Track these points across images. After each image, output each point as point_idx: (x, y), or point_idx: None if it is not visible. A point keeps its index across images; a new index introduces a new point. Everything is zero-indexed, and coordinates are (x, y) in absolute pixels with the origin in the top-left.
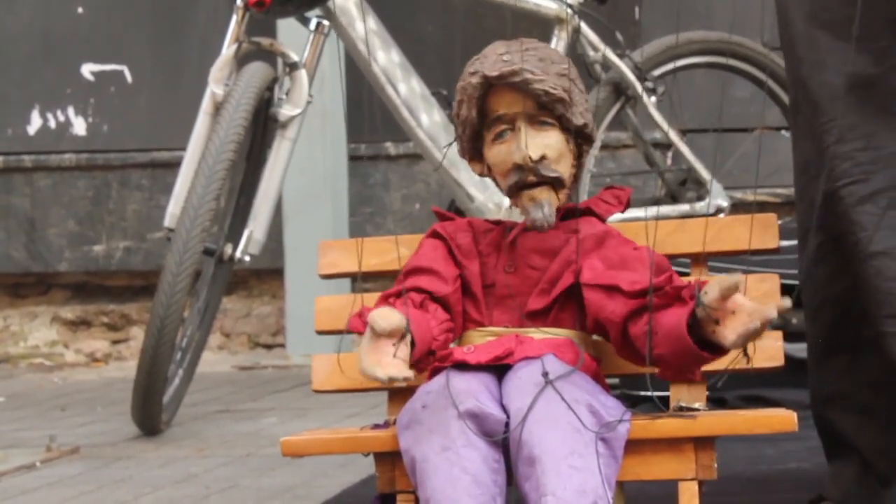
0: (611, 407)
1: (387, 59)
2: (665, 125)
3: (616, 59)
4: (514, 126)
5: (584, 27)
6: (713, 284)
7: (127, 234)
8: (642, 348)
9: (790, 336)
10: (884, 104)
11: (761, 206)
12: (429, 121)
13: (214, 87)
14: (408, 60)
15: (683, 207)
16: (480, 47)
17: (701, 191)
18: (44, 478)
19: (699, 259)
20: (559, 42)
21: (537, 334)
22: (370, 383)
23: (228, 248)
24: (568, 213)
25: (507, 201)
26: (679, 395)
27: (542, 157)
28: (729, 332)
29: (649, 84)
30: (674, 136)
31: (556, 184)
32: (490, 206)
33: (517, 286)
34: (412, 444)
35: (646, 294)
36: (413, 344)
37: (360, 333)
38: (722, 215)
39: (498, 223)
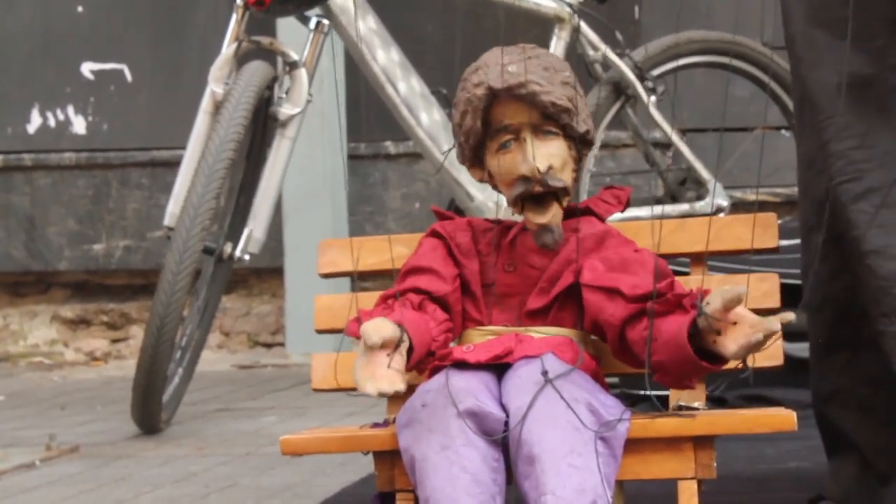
0: (610, 406)
1: (386, 58)
2: (665, 124)
3: (616, 58)
4: (519, 136)
5: (584, 26)
6: (715, 295)
7: (127, 233)
8: (640, 353)
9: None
10: (880, 103)
11: (761, 206)
12: (428, 120)
13: (214, 86)
14: (407, 59)
15: (683, 207)
16: (480, 46)
17: (701, 190)
18: (43, 476)
19: (699, 258)
20: (559, 41)
21: (537, 333)
22: None
23: (228, 247)
24: (568, 213)
25: (505, 200)
26: (679, 394)
27: (549, 168)
28: (730, 343)
29: (649, 83)
30: (673, 136)
31: (560, 193)
32: (489, 205)
33: (517, 285)
34: (411, 442)
35: (646, 299)
36: (411, 348)
37: (359, 338)
38: (722, 215)
39: (497, 222)
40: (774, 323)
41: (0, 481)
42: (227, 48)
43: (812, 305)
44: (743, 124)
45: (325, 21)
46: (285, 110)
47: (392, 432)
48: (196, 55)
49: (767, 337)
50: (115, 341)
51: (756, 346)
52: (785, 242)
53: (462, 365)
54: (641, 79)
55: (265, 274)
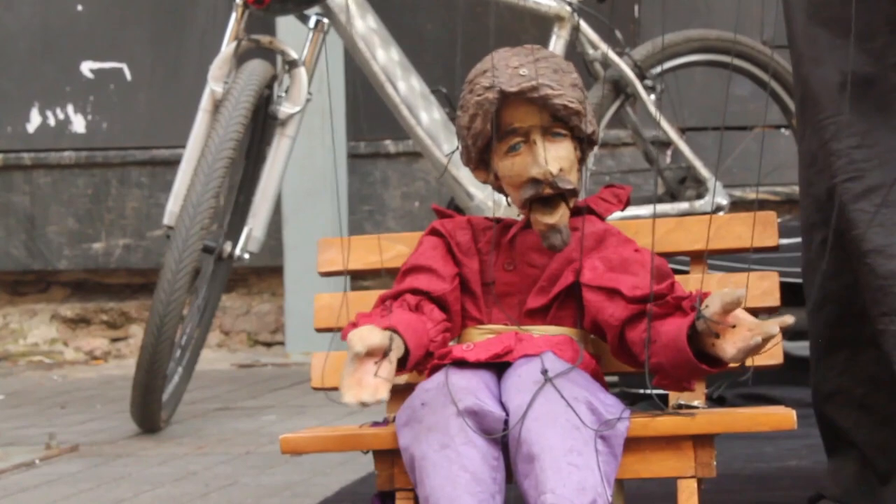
0: (610, 405)
1: (386, 58)
2: (664, 123)
3: (615, 57)
4: (529, 138)
5: (584, 25)
6: (714, 298)
7: (126, 232)
8: (640, 354)
9: (790, 334)
10: (880, 102)
11: (761, 205)
12: (428, 119)
13: (214, 85)
14: (407, 58)
15: (683, 206)
16: (480, 45)
17: (700, 189)
18: (43, 475)
19: (699, 257)
20: (559, 40)
21: (536, 332)
22: None
23: (228, 246)
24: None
25: (505, 199)
26: (678, 393)
27: (560, 170)
28: (729, 346)
29: (648, 82)
30: (673, 134)
31: (569, 194)
32: (490, 203)
33: (516, 284)
34: (411, 441)
35: (646, 300)
36: (407, 351)
37: None
38: (722, 213)
39: (497, 221)
40: (773, 327)
41: (0, 480)
42: (227, 47)
43: (813, 304)
44: (743, 123)
45: (325, 20)
46: (285, 109)
47: (392, 431)
48: (195, 54)
49: (766, 341)
50: (114, 340)
51: (755, 350)
52: (785, 241)
53: (462, 363)
54: (641, 77)
55: (265, 273)
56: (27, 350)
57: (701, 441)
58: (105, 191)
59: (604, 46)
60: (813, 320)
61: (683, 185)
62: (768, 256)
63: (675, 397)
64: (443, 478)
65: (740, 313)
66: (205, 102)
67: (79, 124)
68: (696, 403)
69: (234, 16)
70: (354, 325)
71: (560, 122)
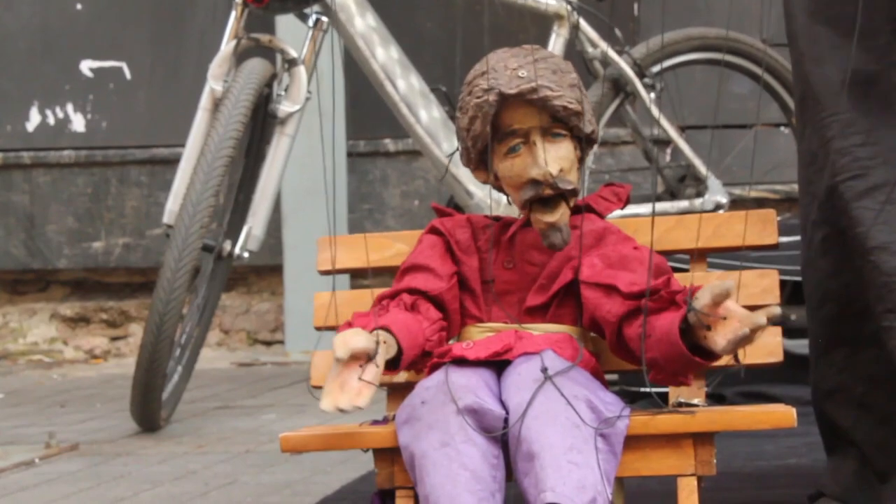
0: (610, 403)
1: (386, 56)
2: (664, 121)
3: (615, 55)
4: (528, 139)
5: (583, 24)
6: (705, 290)
7: (126, 231)
8: (637, 350)
9: (789, 332)
10: (884, 100)
11: (760, 203)
12: (428, 117)
13: (213, 84)
14: (407, 57)
15: (682, 204)
16: (479, 44)
17: (700, 187)
18: (43, 474)
19: (699, 255)
20: (558, 39)
21: (536, 330)
22: None
23: (227, 245)
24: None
25: (505, 197)
26: (678, 391)
27: (560, 171)
28: (720, 338)
29: (648, 80)
30: (673, 133)
31: (569, 194)
32: (489, 201)
33: (516, 282)
34: (411, 440)
35: (643, 296)
36: (400, 351)
37: None
38: (721, 212)
39: (497, 219)
40: (760, 318)
41: (0, 479)
42: (226, 45)
43: (813, 300)
44: (742, 121)
45: (324, 18)
46: (284, 108)
47: (391, 429)
48: (195, 53)
49: (755, 331)
50: (114, 339)
51: (744, 341)
52: (784, 239)
53: (462, 362)
54: (640, 76)
55: (264, 271)
56: (27, 349)
57: (701, 439)
58: (105, 190)
59: (603, 45)
60: (812, 318)
61: (683, 183)
62: (768, 255)
63: (674, 395)
64: (443, 476)
65: (731, 305)
66: (204, 101)
67: (78, 123)
68: (696, 401)
69: (233, 14)
70: (350, 324)
71: (559, 122)
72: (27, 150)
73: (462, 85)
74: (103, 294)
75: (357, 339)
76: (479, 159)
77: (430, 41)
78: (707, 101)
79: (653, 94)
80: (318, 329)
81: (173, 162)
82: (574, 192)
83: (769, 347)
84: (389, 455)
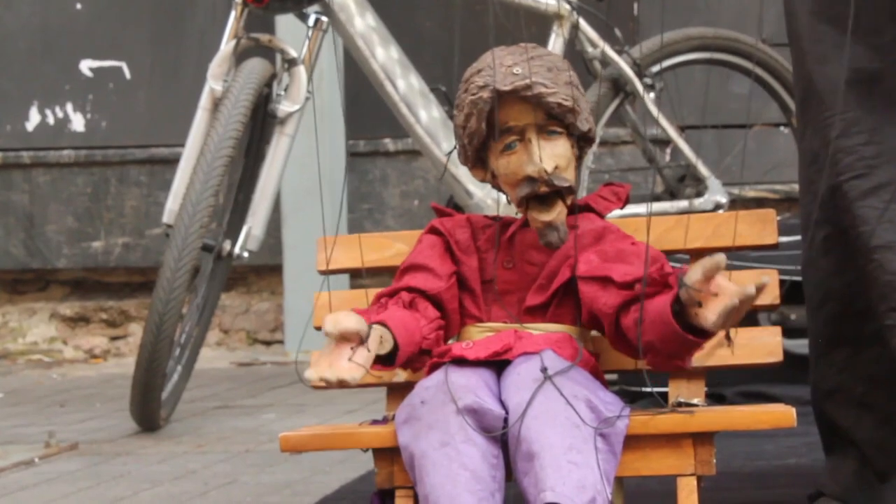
0: (609, 403)
1: (385, 56)
2: (664, 121)
3: (615, 55)
4: (524, 137)
5: (583, 23)
6: (695, 266)
7: (125, 231)
8: (634, 339)
9: (789, 332)
10: (888, 98)
11: (760, 203)
12: (427, 117)
13: (213, 83)
14: (406, 57)
15: (682, 204)
16: (479, 44)
17: (700, 187)
18: (42, 474)
19: (698, 255)
20: (558, 38)
21: (536, 330)
22: (369, 380)
23: (227, 245)
24: (567, 210)
25: (504, 197)
26: (678, 390)
27: (555, 168)
28: (710, 313)
29: (648, 80)
30: (672, 133)
31: (565, 192)
32: (489, 202)
33: (516, 282)
34: (411, 440)
35: (637, 284)
36: (397, 346)
37: None
38: (721, 211)
39: (496, 219)
40: (749, 287)
41: None
42: (226, 45)
43: (813, 299)
44: (742, 121)
45: (324, 18)
46: (284, 107)
47: (391, 429)
48: (195, 52)
49: (744, 303)
50: (113, 339)
51: (734, 314)
52: (784, 239)
53: (461, 362)
54: (640, 76)
55: (264, 271)
56: (26, 349)
57: (701, 439)
58: (104, 189)
59: (603, 45)
60: (813, 318)
61: (682, 183)
62: (768, 254)
63: (674, 395)
64: (442, 476)
65: (722, 280)
66: (204, 101)
67: (78, 123)
68: (695, 401)
69: (233, 14)
70: None
71: (555, 119)
72: (27, 149)
73: (459, 84)
74: (103, 294)
75: (348, 320)
76: (476, 157)
77: (430, 41)
78: (707, 101)
79: (652, 94)
80: (319, 329)
81: (173, 162)
82: (571, 190)
83: (769, 347)
84: (389, 455)
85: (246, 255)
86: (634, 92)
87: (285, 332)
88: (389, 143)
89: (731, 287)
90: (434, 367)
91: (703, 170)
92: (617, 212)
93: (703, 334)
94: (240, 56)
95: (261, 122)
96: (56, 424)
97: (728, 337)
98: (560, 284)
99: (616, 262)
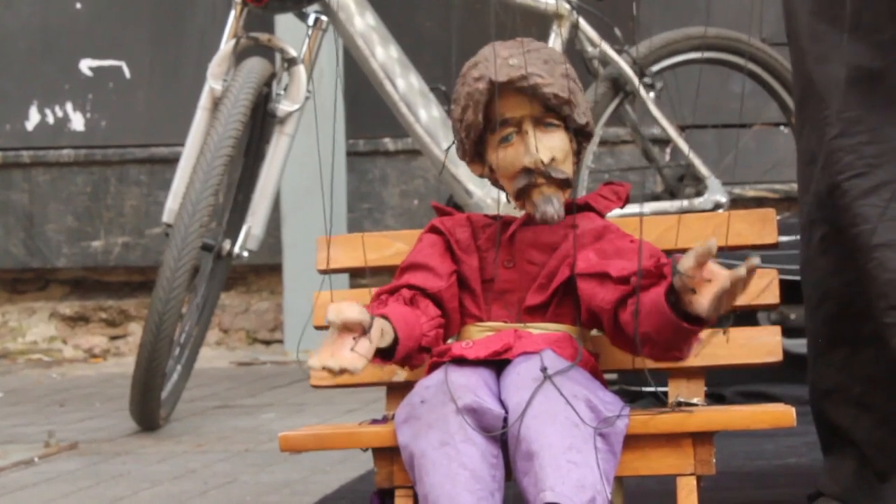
0: (609, 402)
1: (385, 55)
2: (664, 121)
3: (614, 54)
4: (521, 129)
5: (583, 23)
6: (689, 253)
7: (125, 230)
8: (632, 333)
9: (789, 332)
10: (889, 97)
11: (759, 202)
12: (427, 117)
13: (213, 83)
14: (406, 56)
15: (682, 203)
16: (479, 43)
17: (699, 186)
18: (42, 473)
19: None
20: (557, 38)
21: (536, 330)
22: (368, 378)
23: (227, 244)
24: (567, 209)
25: (504, 196)
26: (678, 390)
27: (552, 160)
28: (703, 298)
29: (647, 80)
30: (672, 132)
31: (563, 184)
32: (488, 201)
33: (516, 281)
34: (410, 439)
35: (634, 277)
36: (397, 340)
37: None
38: (720, 211)
39: (497, 218)
40: (740, 269)
41: None
42: (226, 45)
43: (812, 299)
44: (742, 120)
45: (324, 17)
46: (284, 107)
47: (391, 429)
48: (194, 52)
49: (737, 285)
50: (113, 338)
51: (727, 298)
52: (784, 238)
53: (461, 361)
54: (640, 75)
55: (264, 271)
56: (26, 348)
57: (700, 438)
58: (104, 189)
59: (603, 44)
60: (811, 317)
61: (682, 182)
62: (767, 254)
63: (674, 394)
64: (442, 475)
65: (714, 267)
66: (204, 100)
67: (78, 122)
68: (695, 401)
69: (232, 13)
70: None
71: (552, 112)
72: (26, 149)
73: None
74: (102, 293)
75: (351, 310)
76: (474, 151)
77: (429, 41)
78: (706, 101)
79: (652, 94)
80: (318, 329)
81: (173, 161)
82: (568, 183)
83: (768, 347)
84: (389, 454)
85: (245, 254)
86: (634, 91)
87: (285, 332)
88: (389, 143)
89: (722, 271)
90: (434, 367)
91: (703, 169)
92: (617, 211)
93: (699, 322)
94: (239, 55)
95: (260, 122)
96: (56, 424)
97: (722, 323)
98: (560, 283)
99: (614, 259)
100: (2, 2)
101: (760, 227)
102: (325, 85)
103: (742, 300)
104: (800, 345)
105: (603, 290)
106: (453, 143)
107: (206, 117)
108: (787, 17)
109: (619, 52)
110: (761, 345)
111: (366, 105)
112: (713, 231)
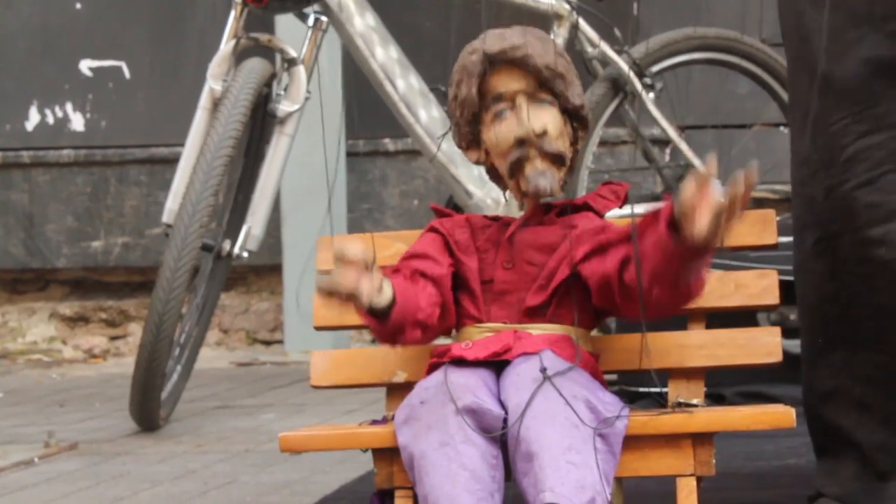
0: (609, 403)
1: (385, 56)
2: (663, 121)
3: (614, 55)
4: (514, 104)
5: (583, 23)
6: (688, 180)
7: (125, 230)
8: (638, 290)
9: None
10: None
11: (759, 203)
12: (427, 117)
13: (213, 83)
14: (406, 57)
15: None
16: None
17: None
18: (42, 474)
19: None
20: (557, 38)
21: (535, 330)
22: (368, 379)
23: (227, 244)
24: (565, 209)
25: (503, 198)
26: (677, 391)
27: (544, 132)
28: (702, 218)
29: (647, 80)
30: (672, 133)
31: (556, 161)
32: (488, 201)
33: (515, 282)
34: (410, 440)
35: (629, 235)
36: (394, 301)
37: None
38: None
39: (496, 219)
40: (737, 183)
41: None
42: (226, 45)
43: (806, 302)
44: (741, 121)
45: (324, 18)
46: (284, 107)
47: (391, 429)
48: (194, 52)
49: (733, 201)
50: (113, 338)
51: (725, 214)
52: (783, 239)
53: (461, 362)
54: (640, 75)
55: (264, 271)
56: (26, 348)
57: (700, 439)
58: (104, 189)
59: (603, 45)
60: (807, 320)
61: (682, 182)
62: (767, 255)
63: (674, 395)
64: (442, 476)
65: (714, 190)
66: (204, 100)
67: (77, 122)
68: (695, 402)
69: (232, 14)
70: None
71: (546, 88)
72: (26, 149)
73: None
74: (102, 293)
75: (354, 247)
76: (470, 135)
77: (429, 41)
78: (706, 101)
79: (652, 94)
80: (318, 329)
81: (173, 161)
82: (562, 160)
83: (768, 347)
84: (388, 455)
85: (245, 254)
86: (634, 92)
87: (285, 332)
88: (389, 143)
89: (721, 190)
90: (433, 368)
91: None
92: (616, 211)
93: (703, 252)
94: (239, 56)
95: (260, 122)
96: (56, 424)
97: (721, 242)
98: (559, 282)
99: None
100: (2, 2)
101: (760, 227)
102: (325, 85)
103: (742, 300)
104: (799, 345)
105: (606, 260)
106: (446, 132)
107: (206, 117)
108: (788, 16)
109: (619, 52)
110: (761, 345)
111: (366, 105)
112: None
